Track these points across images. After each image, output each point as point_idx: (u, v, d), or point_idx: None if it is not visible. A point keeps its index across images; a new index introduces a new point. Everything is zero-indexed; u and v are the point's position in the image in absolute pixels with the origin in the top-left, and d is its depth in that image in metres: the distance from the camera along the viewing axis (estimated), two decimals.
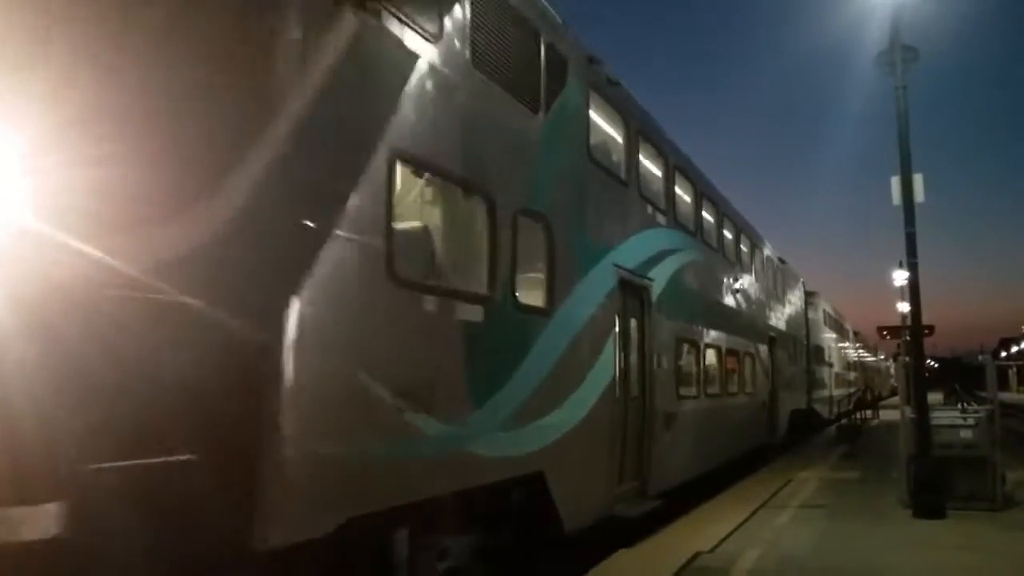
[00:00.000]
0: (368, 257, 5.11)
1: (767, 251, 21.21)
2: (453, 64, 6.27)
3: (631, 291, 10.11)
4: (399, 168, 5.57)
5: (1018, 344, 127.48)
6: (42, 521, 3.67)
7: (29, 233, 3.91)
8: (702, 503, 12.10)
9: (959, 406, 14.01)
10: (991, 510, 11.01)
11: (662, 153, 12.09)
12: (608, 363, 9.06)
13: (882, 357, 78.07)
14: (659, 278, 11.18)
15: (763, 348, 19.12)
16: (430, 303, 5.80)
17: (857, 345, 51.22)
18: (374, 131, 5.36)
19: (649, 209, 11.23)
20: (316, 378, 4.63)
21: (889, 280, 39.53)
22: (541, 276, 7.69)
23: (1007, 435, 11.88)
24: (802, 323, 26.36)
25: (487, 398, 6.46)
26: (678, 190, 12.99)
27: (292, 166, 4.68)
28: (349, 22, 5.14)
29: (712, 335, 14.34)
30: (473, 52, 6.56)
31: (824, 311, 33.05)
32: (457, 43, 6.35)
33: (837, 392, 35.25)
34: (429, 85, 5.96)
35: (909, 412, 11.92)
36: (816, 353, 29.00)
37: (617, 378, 9.36)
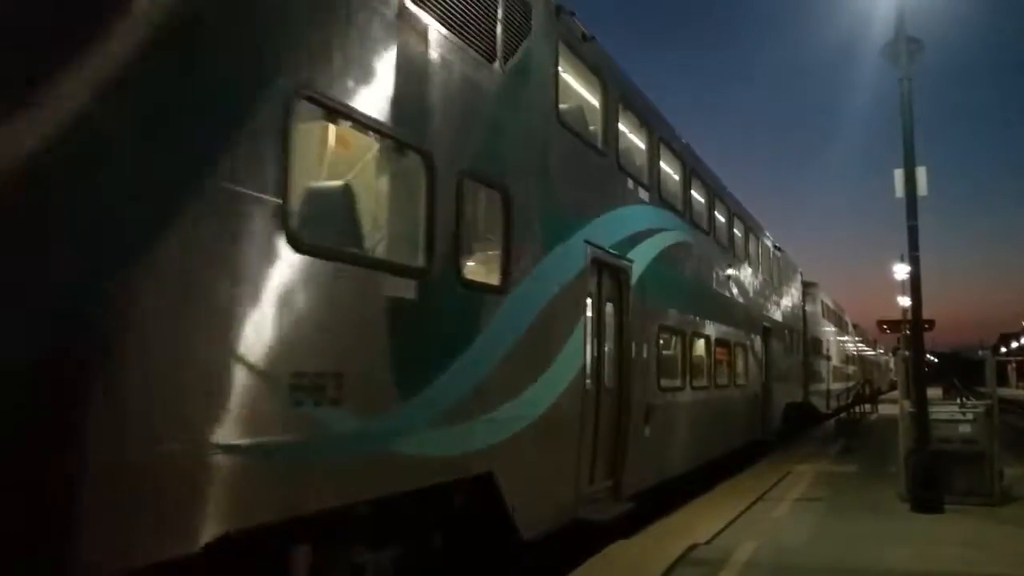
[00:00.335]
0: (252, 216, 4.25)
1: (763, 238, 20.56)
2: None
3: (607, 272, 9.40)
4: (302, 109, 4.68)
5: (1018, 340, 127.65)
6: None
7: None
8: (698, 496, 12.06)
9: (958, 401, 13.94)
10: (989, 505, 10.97)
11: (646, 123, 11.31)
12: (577, 350, 8.31)
13: (881, 351, 78.14)
14: (640, 259, 10.44)
15: (756, 339, 18.48)
16: (342, 275, 4.96)
17: (856, 339, 51.21)
18: (265, 59, 4.47)
19: (630, 184, 10.45)
20: (166, 364, 3.80)
21: (890, 274, 39.57)
22: (495, 250, 6.93)
23: (1005, 430, 11.82)
24: (799, 314, 25.77)
25: (420, 388, 5.63)
26: (664, 166, 12.15)
27: (134, 94, 3.73)
28: None
29: (700, 323, 13.61)
30: None
31: (822, 302, 32.64)
32: None
33: (835, 386, 34.88)
34: (346, 13, 5.13)
35: (908, 406, 11.89)
36: (813, 345, 28.53)
37: (588, 367, 8.67)
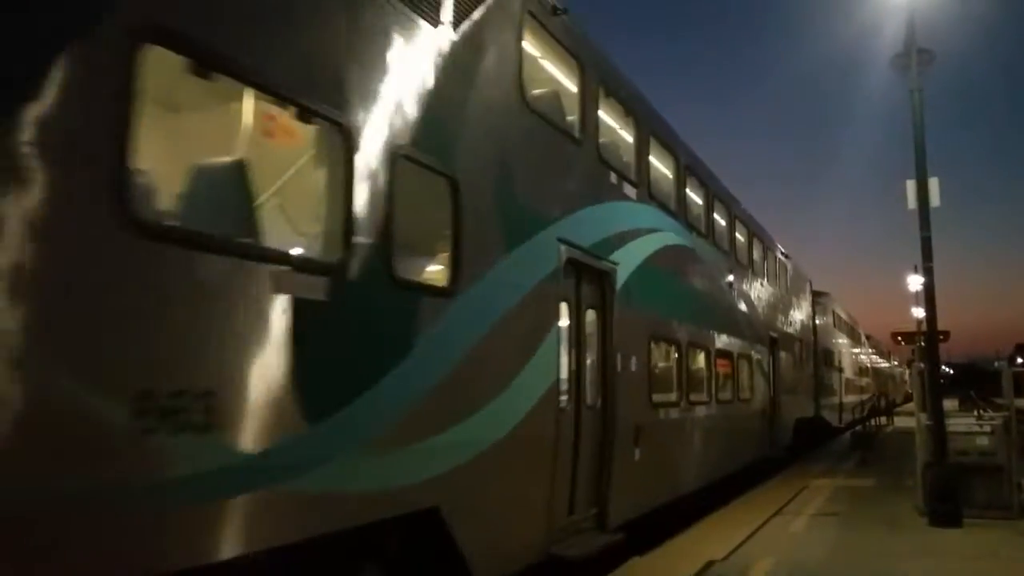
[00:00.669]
0: (70, 190, 3.28)
1: (768, 243, 19.44)
2: None
3: (587, 275, 8.40)
4: (149, 52, 3.64)
5: None
6: None
7: None
8: (714, 511, 11.99)
9: (975, 413, 13.84)
10: (1008, 519, 10.86)
11: (632, 112, 10.17)
12: (548, 364, 7.32)
13: (895, 363, 77.62)
14: (627, 262, 9.39)
15: (763, 350, 17.32)
16: (212, 267, 3.94)
17: (870, 351, 50.80)
18: None
19: (613, 178, 9.37)
20: None
21: (903, 285, 39.36)
22: (440, 245, 6.04)
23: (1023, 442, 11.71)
24: (809, 325, 24.77)
25: (332, 410, 4.64)
26: (655, 161, 11.12)
27: None
28: None
29: (699, 333, 12.50)
30: None
31: (834, 313, 31.64)
32: None
33: (848, 399, 33.76)
34: None
35: (924, 419, 11.80)
36: (825, 357, 27.57)
37: (564, 383, 7.72)
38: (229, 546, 3.97)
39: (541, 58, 8.20)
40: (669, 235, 11.24)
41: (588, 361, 8.45)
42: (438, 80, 5.90)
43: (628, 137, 10.32)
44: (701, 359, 12.83)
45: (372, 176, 5.09)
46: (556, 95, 8.32)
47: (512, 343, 6.74)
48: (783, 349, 19.58)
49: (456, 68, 6.15)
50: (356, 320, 4.92)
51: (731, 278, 14.96)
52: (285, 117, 4.91)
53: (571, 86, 8.55)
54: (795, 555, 9.00)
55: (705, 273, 13.26)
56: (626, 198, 9.76)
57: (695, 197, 13.17)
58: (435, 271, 6.13)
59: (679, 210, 11.89)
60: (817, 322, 26.20)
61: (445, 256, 6.02)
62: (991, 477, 11.28)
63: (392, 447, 5.18)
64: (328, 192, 4.90)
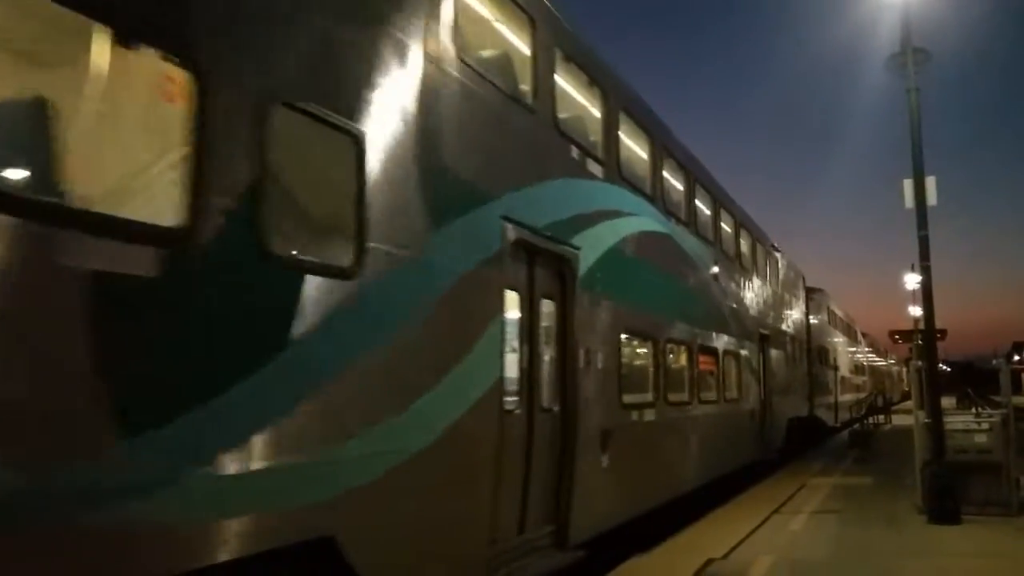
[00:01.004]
0: None
1: (758, 235, 18.48)
2: None
3: (541, 260, 7.46)
4: None
5: None
6: None
7: None
8: (713, 509, 12.01)
9: (973, 411, 13.88)
10: (1006, 516, 10.89)
11: (598, 84, 9.21)
12: (488, 361, 6.31)
13: (892, 361, 77.74)
14: (593, 247, 8.47)
15: (752, 347, 16.47)
16: None
17: (867, 349, 50.77)
18: None
19: (575, 153, 8.46)
20: None
21: (900, 284, 39.47)
22: (339, 217, 5.00)
23: (1021, 439, 11.75)
24: (803, 321, 24.08)
25: (161, 421, 3.64)
26: (626, 139, 10.19)
27: None
28: None
29: (678, 328, 11.64)
30: None
31: (829, 309, 31.12)
32: None
33: (843, 398, 33.37)
34: None
35: (923, 417, 11.83)
36: (819, 355, 26.98)
37: (510, 383, 6.82)
38: None
39: (480, 8, 7.18)
40: (644, 220, 10.32)
41: (544, 358, 7.52)
42: (338, 19, 5.00)
43: (594, 111, 9.29)
44: (682, 356, 11.96)
45: (233, 124, 4.13)
46: (505, 57, 7.53)
47: (437, 337, 5.67)
48: (774, 346, 18.89)
49: (367, 11, 5.32)
50: (206, 304, 3.94)
51: (716, 270, 14.04)
52: (110, 49, 3.78)
53: (518, 43, 7.64)
54: (794, 553, 9.03)
55: (686, 263, 12.37)
56: (591, 177, 8.84)
57: (674, 182, 12.27)
58: (328, 247, 4.91)
59: (656, 194, 10.94)
60: (811, 319, 25.65)
61: (346, 230, 4.94)
62: (989, 474, 11.30)
63: (265, 464, 4.14)
64: (172, 143, 3.92)
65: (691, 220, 12.78)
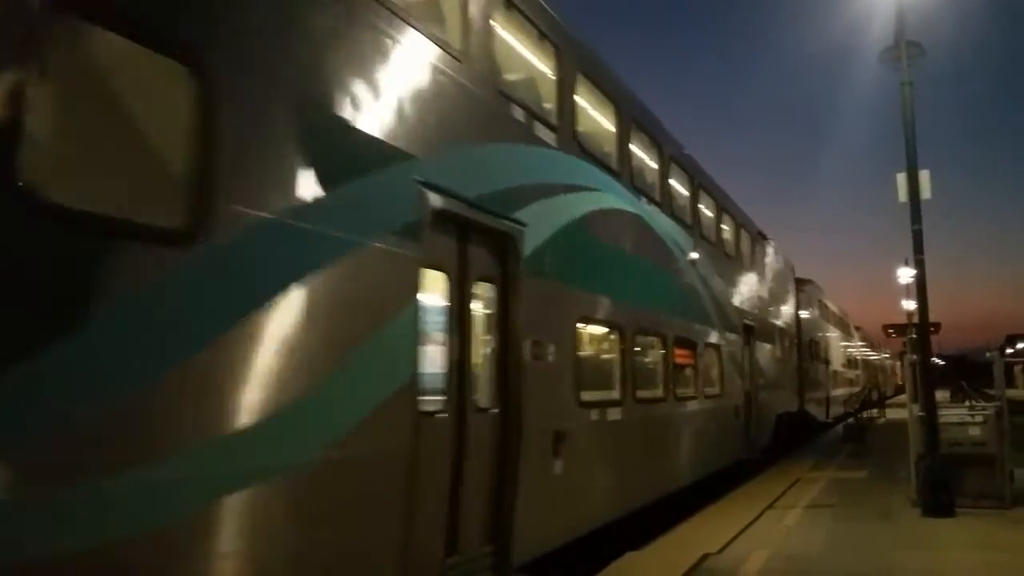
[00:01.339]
0: None
1: (742, 220, 17.49)
2: None
3: (476, 237, 6.43)
4: None
5: None
6: None
7: None
8: (708, 504, 12.02)
9: (967, 404, 13.92)
10: (1000, 508, 10.92)
11: (549, 39, 8.11)
12: (398, 354, 5.23)
13: (886, 355, 77.92)
14: (543, 224, 7.44)
15: (736, 339, 15.49)
16: None
17: (860, 342, 50.74)
18: None
19: (520, 115, 7.49)
20: None
21: (894, 278, 39.55)
22: (167, 162, 3.92)
23: (1014, 432, 11.79)
24: (792, 313, 23.28)
25: None
26: (585, 105, 9.19)
27: None
28: None
29: (650, 318, 10.67)
30: None
31: (819, 302, 30.34)
32: None
33: (836, 392, 32.72)
34: None
35: (917, 410, 11.86)
36: (810, 348, 26.24)
37: (432, 380, 5.80)
38: None
39: None
40: (607, 197, 9.32)
41: (480, 351, 6.56)
42: None
43: (546, 70, 8.24)
44: (654, 349, 11.04)
45: None
46: None
47: (316, 324, 4.52)
48: (761, 339, 18.02)
49: None
50: None
51: (694, 256, 13.01)
52: None
53: None
54: (789, 547, 9.03)
55: (659, 247, 11.35)
56: (540, 144, 7.82)
57: (645, 158, 11.28)
58: (153, 203, 3.80)
59: (622, 170, 9.93)
60: (801, 311, 24.89)
61: (179, 182, 3.90)
62: (983, 467, 11.33)
63: (45, 485, 3.15)
64: None
65: (665, 201, 11.79)
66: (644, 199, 10.79)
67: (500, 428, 6.63)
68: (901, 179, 11.91)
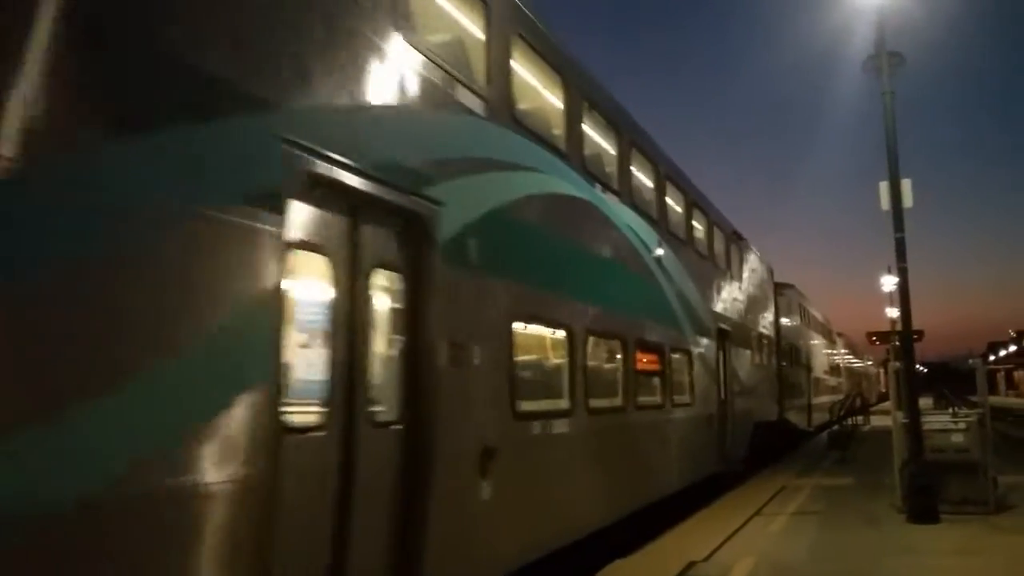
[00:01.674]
0: None
1: (715, 217, 16.41)
2: None
3: (373, 215, 5.24)
4: None
5: (1006, 348, 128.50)
6: None
7: None
8: (695, 512, 12.03)
9: (950, 411, 14.02)
10: (984, 514, 10.99)
11: None
12: (248, 355, 4.05)
13: (870, 363, 78.41)
14: (464, 205, 6.30)
15: (708, 344, 14.39)
16: None
17: (843, 350, 50.83)
18: None
19: (435, 77, 6.16)
20: None
21: (877, 286, 39.87)
22: None
23: (997, 438, 11.91)
24: (771, 318, 22.46)
25: None
26: (524, 73, 8.08)
27: None
28: None
29: (606, 318, 9.49)
30: None
31: (800, 307, 29.61)
32: None
33: (818, 399, 31.99)
34: None
35: (901, 417, 11.93)
36: (791, 354, 25.58)
37: (305, 389, 4.69)
38: None
39: None
40: (552, 180, 8.25)
41: (378, 353, 5.36)
42: None
43: (471, 27, 7.15)
44: (612, 353, 9.98)
45: None
46: None
47: (119, 311, 3.43)
48: (737, 344, 17.04)
49: None
50: None
51: (660, 252, 11.89)
52: None
53: None
54: (775, 554, 9.05)
55: (617, 241, 10.26)
56: (465, 113, 6.65)
57: (600, 140, 10.22)
58: None
59: (572, 152, 8.80)
60: (780, 315, 24.11)
61: None
62: (967, 473, 11.43)
63: None
64: None
65: (625, 190, 10.66)
66: (599, 187, 9.72)
67: (406, 447, 5.42)
68: (883, 187, 12.02)
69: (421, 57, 5.99)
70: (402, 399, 5.49)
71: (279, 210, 4.28)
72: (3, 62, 3.09)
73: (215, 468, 3.77)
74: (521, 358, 7.40)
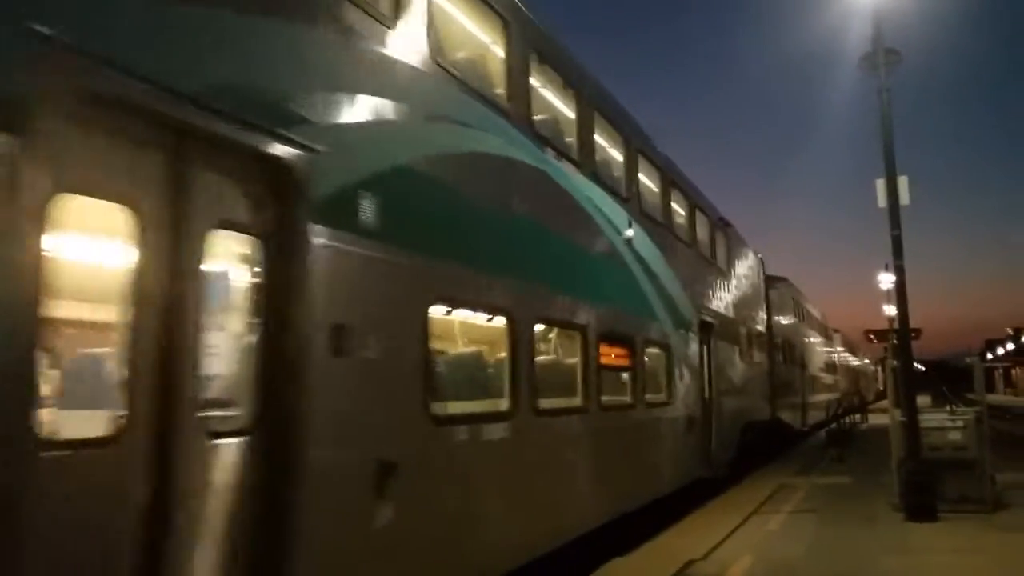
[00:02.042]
0: None
1: (696, 199, 15.07)
2: None
3: (210, 156, 4.03)
4: None
5: (1003, 346, 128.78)
6: None
7: None
8: (693, 510, 12.02)
9: (948, 408, 14.02)
10: (982, 512, 10.98)
11: None
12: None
13: (868, 360, 78.43)
14: (357, 158, 5.11)
15: (690, 337, 13.17)
16: None
17: (840, 347, 50.63)
18: None
19: (341, 7, 5.11)
20: None
21: (875, 284, 39.84)
22: None
23: (994, 436, 11.89)
24: (762, 312, 21.43)
25: None
26: (446, 6, 7.05)
27: None
28: None
29: (559, 305, 8.36)
30: None
31: (794, 301, 28.75)
32: None
33: (813, 398, 30.93)
34: None
35: (898, 415, 11.92)
36: (784, 350, 24.68)
37: (87, 386, 3.91)
38: None
39: None
40: (489, 139, 7.07)
41: (219, 341, 4.20)
42: None
43: None
44: (568, 345, 8.83)
45: None
46: None
47: None
48: (724, 339, 15.78)
49: None
50: None
51: (630, 234, 10.62)
52: None
53: None
54: (773, 552, 9.04)
55: (575, 218, 9.00)
56: (356, 37, 5.28)
57: (555, 102, 9.15)
58: None
59: (517, 112, 7.63)
60: (772, 310, 22.91)
61: None
62: (965, 471, 11.41)
63: None
64: None
65: (587, 161, 9.35)
66: (553, 153, 8.43)
67: (262, 463, 4.19)
68: (880, 184, 12.00)
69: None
70: (256, 400, 4.26)
71: (21, 133, 3.02)
72: None
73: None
74: (443, 350, 6.51)
